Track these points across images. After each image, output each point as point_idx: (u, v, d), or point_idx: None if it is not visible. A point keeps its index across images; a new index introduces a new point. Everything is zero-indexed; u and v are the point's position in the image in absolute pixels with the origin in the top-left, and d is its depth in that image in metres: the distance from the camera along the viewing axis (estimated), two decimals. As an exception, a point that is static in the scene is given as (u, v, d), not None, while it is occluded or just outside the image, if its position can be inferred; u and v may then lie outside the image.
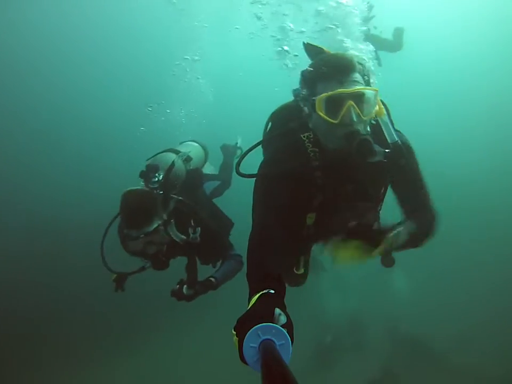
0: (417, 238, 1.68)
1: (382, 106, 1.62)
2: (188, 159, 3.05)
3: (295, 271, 1.95)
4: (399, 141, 1.60)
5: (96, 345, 5.27)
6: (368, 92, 1.52)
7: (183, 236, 2.60)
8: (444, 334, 5.66)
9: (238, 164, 1.72)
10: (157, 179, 2.58)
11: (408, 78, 7.74)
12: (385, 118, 1.64)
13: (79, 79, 8.01)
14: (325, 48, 1.71)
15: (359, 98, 1.50)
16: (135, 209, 2.40)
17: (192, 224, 2.63)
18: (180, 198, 2.70)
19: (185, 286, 2.48)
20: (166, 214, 2.51)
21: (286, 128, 1.74)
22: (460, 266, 6.55)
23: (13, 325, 5.39)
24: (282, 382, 0.68)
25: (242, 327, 0.96)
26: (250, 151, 1.81)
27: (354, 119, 1.48)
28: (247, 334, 0.90)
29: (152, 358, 5.51)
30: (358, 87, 1.50)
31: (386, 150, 1.54)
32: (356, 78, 1.53)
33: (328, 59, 1.58)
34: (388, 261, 2.01)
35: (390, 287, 6.48)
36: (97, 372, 5.03)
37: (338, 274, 6.12)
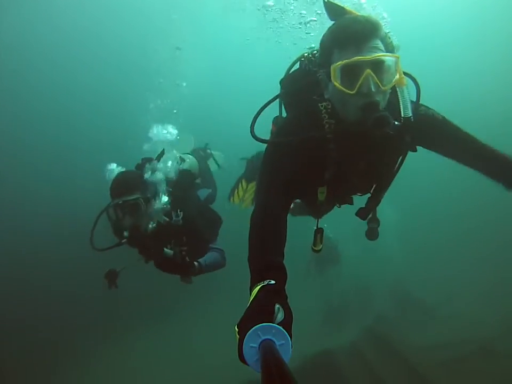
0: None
1: (404, 76, 1.46)
2: (181, 159, 3.29)
3: (313, 247, 1.94)
4: (411, 117, 1.48)
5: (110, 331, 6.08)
6: (389, 59, 1.38)
7: (165, 218, 2.76)
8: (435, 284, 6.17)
9: (252, 125, 1.61)
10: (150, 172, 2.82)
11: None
12: (405, 89, 1.50)
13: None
14: (347, 8, 1.53)
15: (378, 66, 1.36)
16: (120, 180, 2.72)
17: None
18: (169, 188, 2.86)
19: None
20: (151, 194, 2.73)
21: (306, 97, 1.63)
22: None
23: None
24: (282, 382, 0.68)
25: (242, 326, 0.96)
26: (261, 110, 1.70)
27: (373, 89, 1.35)
28: (247, 334, 0.90)
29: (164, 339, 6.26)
30: (376, 54, 1.35)
31: (396, 123, 1.44)
32: (377, 44, 1.38)
33: (347, 22, 1.42)
34: (372, 234, 2.03)
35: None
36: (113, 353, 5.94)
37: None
